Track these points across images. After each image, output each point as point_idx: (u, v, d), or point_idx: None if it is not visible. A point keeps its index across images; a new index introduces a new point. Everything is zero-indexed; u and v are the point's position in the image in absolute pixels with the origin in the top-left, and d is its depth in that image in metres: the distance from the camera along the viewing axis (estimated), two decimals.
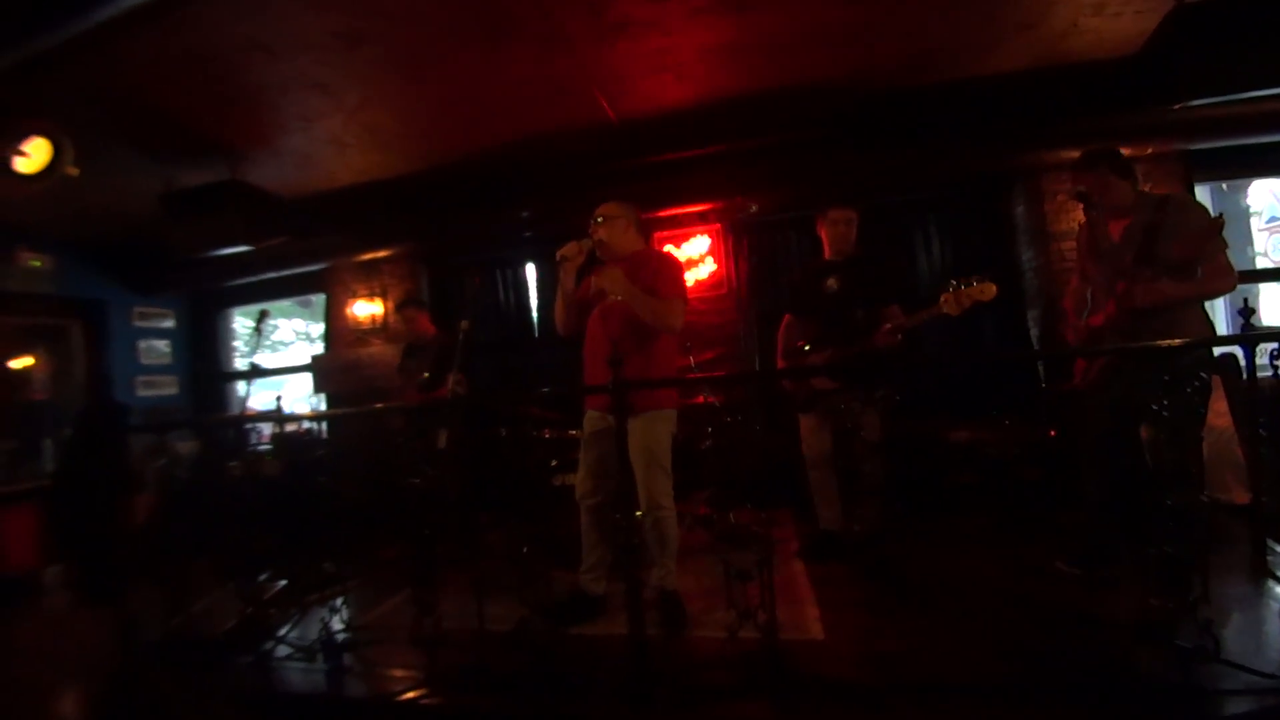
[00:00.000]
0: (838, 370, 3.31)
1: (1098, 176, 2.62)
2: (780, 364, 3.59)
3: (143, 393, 5.96)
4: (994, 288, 2.87)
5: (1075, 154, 4.03)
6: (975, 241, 4.87)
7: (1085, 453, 2.73)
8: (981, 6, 3.19)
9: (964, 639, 2.27)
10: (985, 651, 2.16)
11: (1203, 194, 4.66)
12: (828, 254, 3.45)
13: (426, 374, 4.13)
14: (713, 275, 5.19)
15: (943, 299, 2.92)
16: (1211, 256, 2.42)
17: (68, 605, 3.55)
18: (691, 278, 5.20)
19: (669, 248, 5.23)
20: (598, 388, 2.62)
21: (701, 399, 4.35)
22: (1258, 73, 3.20)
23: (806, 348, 3.40)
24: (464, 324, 3.37)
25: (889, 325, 3.09)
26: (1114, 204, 2.62)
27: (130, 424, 5.05)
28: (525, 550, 2.87)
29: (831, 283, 3.34)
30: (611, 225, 2.87)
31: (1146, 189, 2.70)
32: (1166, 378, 1.99)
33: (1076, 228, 2.82)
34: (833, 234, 3.39)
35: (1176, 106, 3.62)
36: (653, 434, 2.69)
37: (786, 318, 3.60)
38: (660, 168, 4.65)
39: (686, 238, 5.22)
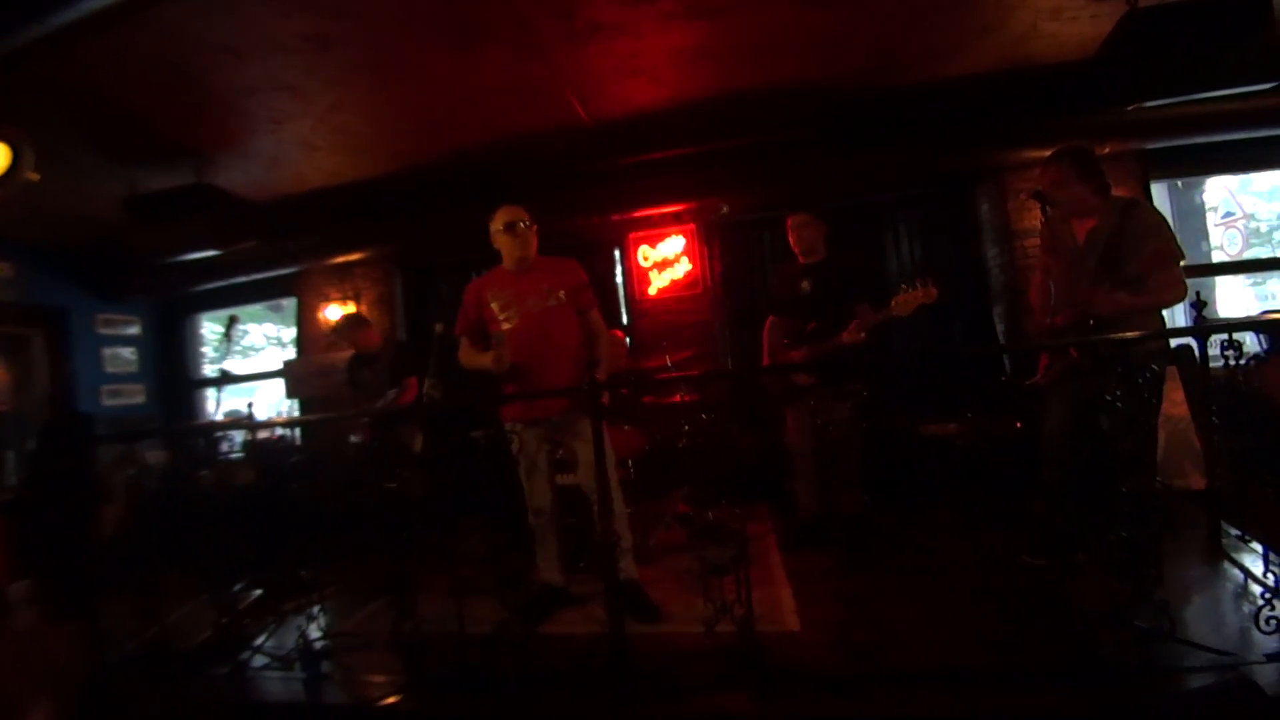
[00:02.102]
0: (808, 367, 3.46)
1: (1059, 171, 2.69)
2: (766, 361, 3.77)
3: (109, 402, 5.82)
4: (935, 291, 3.09)
5: (1037, 154, 4.18)
6: (943, 240, 4.99)
7: (1045, 445, 2.82)
8: (944, 11, 3.28)
9: (935, 627, 2.33)
10: (956, 638, 2.22)
11: (1159, 191, 4.82)
12: (800, 258, 3.59)
13: (394, 393, 4.10)
14: (687, 275, 5.23)
15: (893, 302, 3.14)
16: (1163, 271, 2.52)
17: (36, 621, 3.46)
18: (667, 278, 5.26)
19: (644, 248, 5.28)
20: (570, 390, 2.64)
21: (678, 398, 4.39)
22: (1209, 74, 3.33)
23: (786, 343, 3.57)
24: (438, 327, 3.36)
25: (853, 325, 3.23)
26: (1070, 201, 2.70)
27: (97, 434, 4.94)
28: (503, 552, 2.89)
29: (805, 285, 3.49)
30: (533, 231, 2.91)
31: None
32: (1119, 369, 2.06)
33: (1039, 225, 2.90)
34: (796, 237, 3.55)
35: (1131, 107, 3.75)
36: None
37: (770, 319, 3.74)
38: (634, 169, 4.68)
39: (661, 238, 5.25)
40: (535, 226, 2.90)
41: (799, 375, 3.45)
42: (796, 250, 3.58)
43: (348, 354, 5.64)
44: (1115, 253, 2.57)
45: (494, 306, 2.85)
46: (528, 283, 2.86)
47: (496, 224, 2.90)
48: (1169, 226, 2.63)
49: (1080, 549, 2.68)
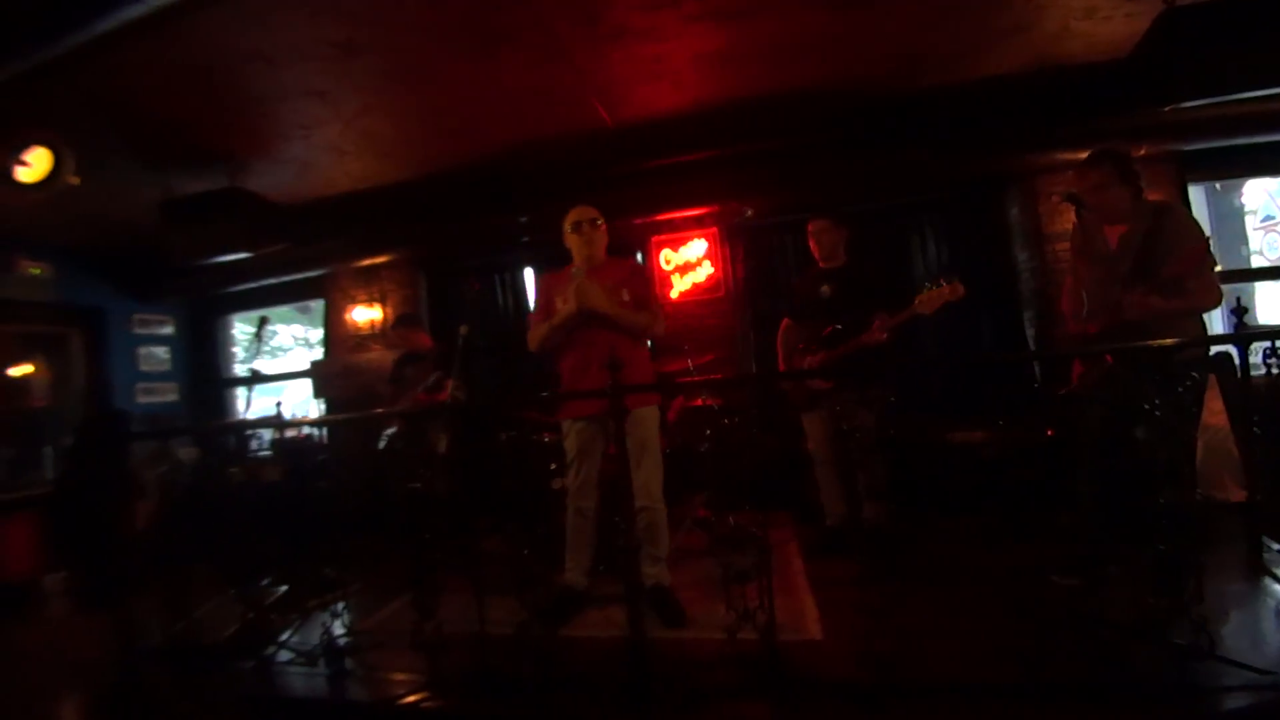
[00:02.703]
0: (832, 371, 3.43)
1: (1100, 175, 2.63)
2: (781, 366, 3.76)
3: (143, 399, 5.96)
4: (962, 288, 3.04)
5: (1069, 156, 4.11)
6: (971, 244, 4.89)
7: (1081, 456, 2.75)
8: (974, 11, 3.22)
9: (961, 638, 2.29)
10: (982, 650, 2.18)
11: (1196, 194, 4.69)
12: (821, 263, 3.60)
13: (435, 378, 4.16)
14: (710, 278, 5.21)
15: (917, 300, 3.10)
16: (1200, 274, 2.44)
17: (69, 612, 3.56)
18: (689, 281, 5.25)
19: (666, 251, 5.27)
20: (596, 392, 2.64)
21: (700, 401, 4.37)
22: (1248, 74, 3.22)
23: (801, 347, 3.55)
24: (463, 329, 3.39)
25: (875, 325, 3.21)
26: (1109, 206, 2.63)
27: (131, 431, 5.06)
28: (525, 554, 2.89)
29: (826, 289, 3.49)
30: (601, 231, 2.93)
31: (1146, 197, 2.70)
32: (1158, 377, 2.01)
33: (1071, 229, 2.83)
34: (817, 243, 3.57)
35: (1168, 108, 3.65)
36: (651, 427, 2.80)
37: (785, 322, 3.73)
38: (657, 173, 4.68)
39: (684, 241, 5.24)
40: (604, 225, 2.94)
41: (816, 380, 3.42)
42: (817, 255, 3.60)
43: (373, 354, 5.74)
44: (1149, 257, 2.50)
45: (558, 302, 2.88)
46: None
47: (566, 223, 2.95)
48: (1202, 230, 2.56)
49: (1113, 562, 2.60)
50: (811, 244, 3.60)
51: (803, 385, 3.50)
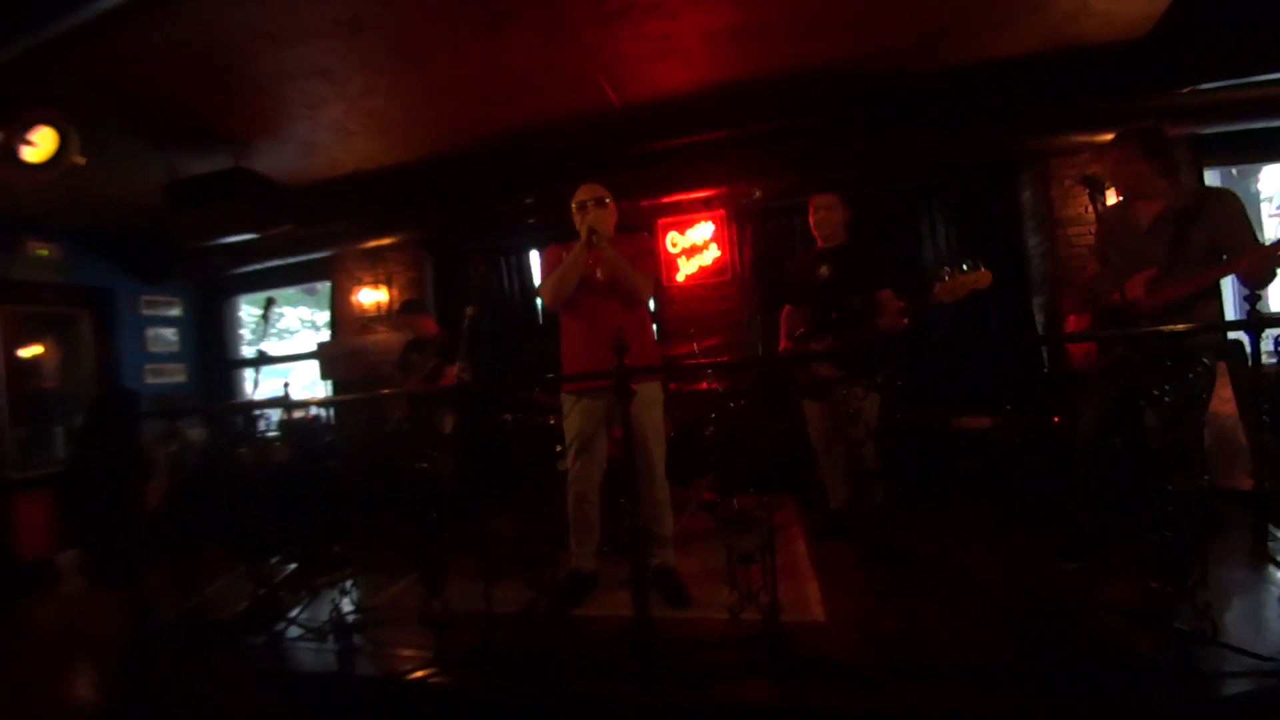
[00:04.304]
0: (840, 357, 3.33)
1: (1123, 149, 2.56)
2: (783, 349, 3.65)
3: (151, 380, 6.01)
4: (989, 275, 2.83)
5: (1084, 138, 4.05)
6: (981, 227, 4.84)
7: (1078, 438, 2.73)
8: None
9: (964, 622, 2.30)
10: (985, 634, 2.19)
11: (1212, 179, 4.62)
12: (819, 243, 3.49)
13: (432, 366, 4.19)
14: (716, 262, 5.18)
15: (937, 287, 2.91)
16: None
17: (83, 589, 3.61)
18: (695, 264, 5.22)
19: (672, 234, 5.24)
20: (601, 373, 2.64)
21: (705, 385, 4.37)
22: (1268, 56, 3.16)
23: (802, 331, 3.46)
24: (469, 310, 3.39)
25: (897, 308, 3.11)
26: (1130, 179, 2.56)
27: (142, 410, 5.11)
28: (531, 534, 2.91)
29: (824, 270, 3.37)
30: (608, 209, 2.89)
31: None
32: (1169, 362, 1.99)
33: (1090, 212, 2.72)
34: (818, 220, 3.44)
35: (1186, 90, 3.58)
36: (655, 408, 2.79)
37: (786, 307, 3.65)
38: (664, 154, 4.64)
39: (690, 224, 5.20)
40: (612, 204, 2.90)
41: (823, 367, 3.32)
42: (816, 234, 3.48)
43: (379, 336, 5.75)
44: (1185, 237, 2.44)
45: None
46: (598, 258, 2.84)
47: (573, 203, 2.90)
48: (1251, 225, 2.49)
49: (1112, 545, 2.60)
50: (812, 220, 3.46)
51: (810, 372, 3.41)
